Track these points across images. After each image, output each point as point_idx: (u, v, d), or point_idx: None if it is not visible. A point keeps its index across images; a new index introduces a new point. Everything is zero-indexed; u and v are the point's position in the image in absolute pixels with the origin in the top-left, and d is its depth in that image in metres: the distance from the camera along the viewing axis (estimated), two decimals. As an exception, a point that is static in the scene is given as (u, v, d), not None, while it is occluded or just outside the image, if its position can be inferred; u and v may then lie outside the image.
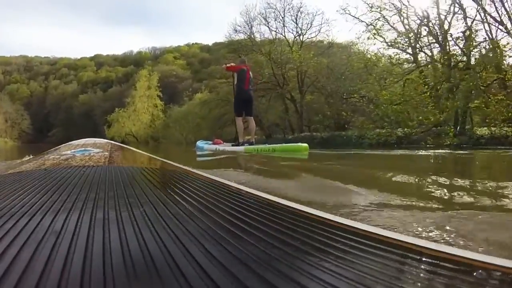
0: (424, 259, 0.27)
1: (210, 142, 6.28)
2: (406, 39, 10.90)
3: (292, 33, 16.15)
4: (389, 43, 11.27)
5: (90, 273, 0.24)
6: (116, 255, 0.27)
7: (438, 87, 9.60)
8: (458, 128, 8.50)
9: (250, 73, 5.52)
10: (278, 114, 16.35)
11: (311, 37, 16.03)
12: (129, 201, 0.48)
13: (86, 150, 1.24)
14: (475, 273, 0.25)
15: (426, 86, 9.81)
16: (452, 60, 9.14)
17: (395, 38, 11.10)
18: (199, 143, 6.33)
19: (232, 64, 5.68)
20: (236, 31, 16.16)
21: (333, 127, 13.53)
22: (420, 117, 9.39)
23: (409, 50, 10.98)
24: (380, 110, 10.52)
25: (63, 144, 1.72)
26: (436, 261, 0.27)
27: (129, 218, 0.38)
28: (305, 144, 4.73)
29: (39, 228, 0.35)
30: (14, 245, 0.30)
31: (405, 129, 9.57)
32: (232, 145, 5.49)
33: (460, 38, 9.02)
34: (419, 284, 0.23)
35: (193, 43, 58.38)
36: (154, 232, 0.33)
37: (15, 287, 0.22)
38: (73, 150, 1.25)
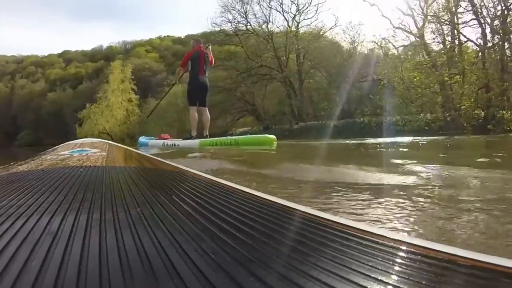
0: (423, 259, 0.27)
1: (156, 138, 5.46)
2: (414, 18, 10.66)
3: (288, 12, 15.61)
4: (395, 25, 11.12)
5: (86, 274, 0.24)
6: (112, 256, 0.27)
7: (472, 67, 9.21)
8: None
9: (210, 55, 4.90)
10: (278, 102, 15.30)
11: (310, 17, 15.67)
12: (126, 201, 0.48)
13: (83, 150, 1.24)
14: (476, 273, 0.25)
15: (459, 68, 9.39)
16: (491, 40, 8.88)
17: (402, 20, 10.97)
18: (142, 139, 5.53)
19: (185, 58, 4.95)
20: (227, 9, 15.38)
21: (339, 115, 12.73)
22: (463, 100, 8.74)
23: (415, 32, 10.85)
24: (405, 93, 10.08)
25: (61, 145, 1.71)
26: (438, 262, 0.27)
27: (125, 218, 0.38)
28: (272, 136, 4.40)
29: (35, 229, 0.35)
30: (11, 246, 0.30)
31: (446, 113, 9.12)
32: (184, 139, 4.89)
33: (499, 19, 8.78)
34: (418, 283, 0.23)
35: (165, 36, 57.17)
36: (151, 233, 0.33)
37: (12, 288, 0.22)
38: (70, 150, 1.25)
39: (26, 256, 0.27)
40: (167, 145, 4.78)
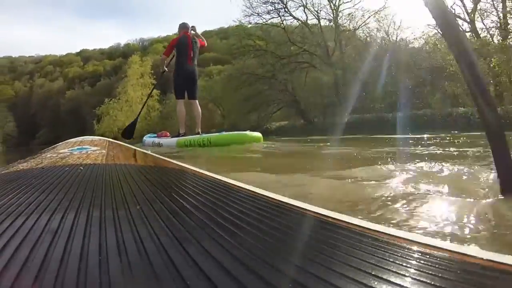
0: (436, 259, 0.27)
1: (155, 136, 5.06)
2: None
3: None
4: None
5: (86, 272, 0.24)
6: (113, 254, 0.27)
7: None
8: None
9: (198, 40, 4.26)
10: (321, 93, 13.46)
11: (349, 1, 14.06)
12: (126, 199, 0.48)
13: (83, 148, 1.24)
14: (485, 273, 0.24)
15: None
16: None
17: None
18: (145, 138, 5.20)
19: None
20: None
21: (389, 106, 11.08)
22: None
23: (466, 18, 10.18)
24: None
25: (60, 143, 1.71)
26: (440, 260, 0.26)
27: (126, 216, 0.38)
28: (255, 133, 3.64)
29: (36, 227, 0.35)
30: (11, 244, 0.30)
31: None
32: (172, 137, 4.33)
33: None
34: (423, 282, 0.23)
35: (183, 33, 56.73)
36: (151, 230, 0.33)
37: (12, 286, 0.22)
38: (70, 149, 1.25)
39: (27, 254, 0.27)
40: (154, 143, 4.42)
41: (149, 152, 1.43)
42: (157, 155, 1.28)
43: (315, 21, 14.35)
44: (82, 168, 0.78)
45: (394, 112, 10.18)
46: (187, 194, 0.51)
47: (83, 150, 1.19)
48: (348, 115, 11.20)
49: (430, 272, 0.24)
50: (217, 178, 0.67)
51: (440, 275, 0.24)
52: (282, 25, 14.32)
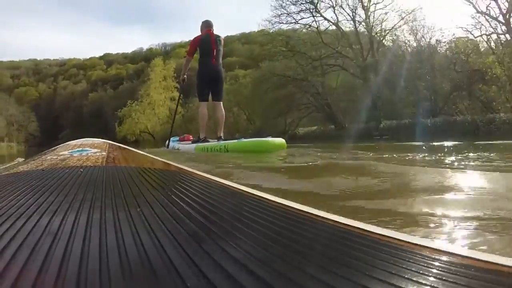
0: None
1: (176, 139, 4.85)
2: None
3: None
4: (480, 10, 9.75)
5: (86, 274, 0.24)
6: (113, 256, 0.27)
7: None
8: None
9: (220, 40, 3.93)
10: (352, 98, 12.80)
11: (381, 1, 13.55)
12: (127, 201, 0.48)
13: (83, 150, 1.24)
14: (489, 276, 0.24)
15: None
16: None
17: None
18: (170, 143, 4.96)
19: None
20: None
21: (422, 112, 10.32)
22: None
23: (501, 18, 9.85)
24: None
25: (61, 145, 1.71)
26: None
27: (126, 218, 0.38)
28: (279, 139, 3.29)
29: (36, 229, 0.35)
30: (11, 246, 0.30)
31: None
32: (192, 142, 4.08)
33: None
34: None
35: (205, 37, 57.07)
36: (151, 233, 0.33)
37: (12, 288, 0.22)
38: (70, 151, 1.25)
39: (26, 256, 0.27)
40: (174, 148, 4.30)
41: (148, 154, 1.43)
42: (156, 157, 1.29)
43: (346, 23, 13.96)
44: (82, 170, 0.78)
45: (431, 118, 9.57)
46: (187, 196, 0.51)
47: (83, 152, 1.19)
48: (382, 120, 10.65)
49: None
50: (217, 181, 0.67)
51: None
52: (314, 25, 13.88)
